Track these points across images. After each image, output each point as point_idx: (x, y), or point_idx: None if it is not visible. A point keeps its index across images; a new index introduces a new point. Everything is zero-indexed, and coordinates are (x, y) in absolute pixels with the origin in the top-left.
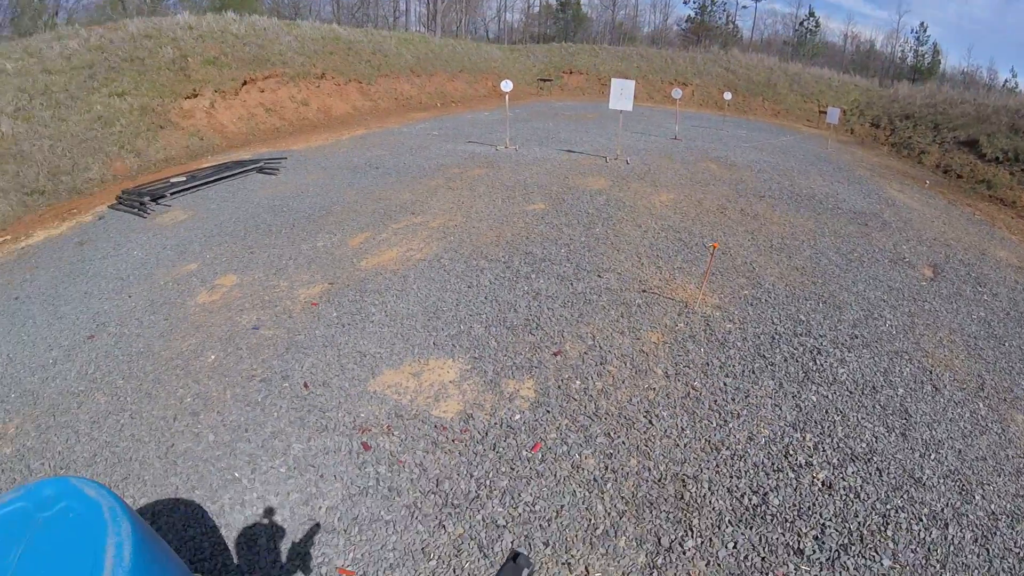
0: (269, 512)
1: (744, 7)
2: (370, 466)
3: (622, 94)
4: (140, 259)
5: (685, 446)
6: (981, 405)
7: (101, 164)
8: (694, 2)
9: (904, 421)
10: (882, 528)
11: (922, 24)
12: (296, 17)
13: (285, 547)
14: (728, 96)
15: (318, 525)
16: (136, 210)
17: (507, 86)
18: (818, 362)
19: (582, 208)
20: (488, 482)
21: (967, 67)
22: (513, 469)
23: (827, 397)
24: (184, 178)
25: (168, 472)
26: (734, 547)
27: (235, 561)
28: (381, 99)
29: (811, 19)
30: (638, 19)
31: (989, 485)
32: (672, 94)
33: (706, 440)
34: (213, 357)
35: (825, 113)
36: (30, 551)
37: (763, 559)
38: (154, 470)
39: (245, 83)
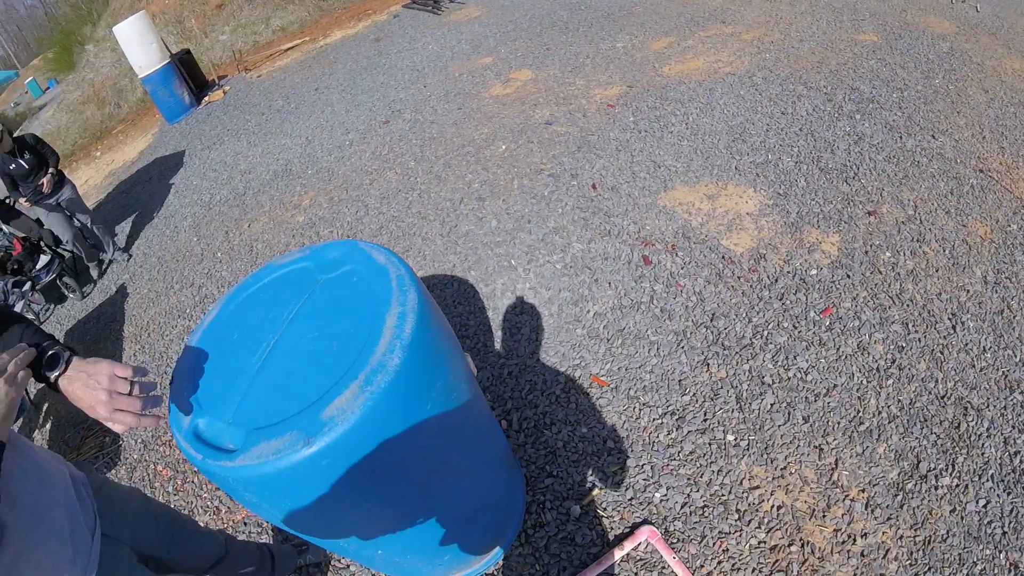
0: (538, 305)
1: None
2: (647, 281)
3: None
4: (435, 52)
5: (981, 371)
6: None
7: None
8: None
9: None
10: None
11: None
12: None
13: (546, 342)
14: None
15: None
16: (430, 8)
17: None
18: None
19: (921, 52)
20: (765, 333)
21: None
22: (796, 328)
23: None
24: None
25: (448, 251)
26: (984, 506)
27: (496, 345)
28: None
29: None
30: None
31: None
32: None
33: (1003, 373)
34: (504, 147)
35: None
36: (306, 311)
37: (1004, 533)
38: (435, 247)
39: None
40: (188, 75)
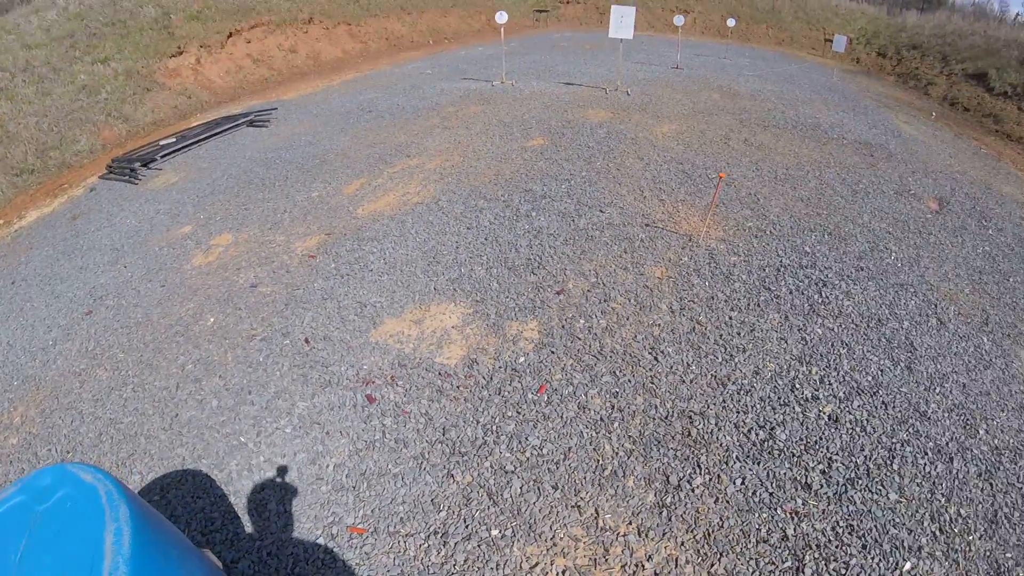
0: (277, 475)
1: None
2: (375, 419)
3: (622, 22)
4: (134, 227)
5: (691, 382)
6: (985, 340)
7: (89, 135)
8: None
9: (909, 354)
10: (888, 462)
11: None
12: None
13: (295, 510)
14: (731, 23)
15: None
16: (127, 177)
17: (502, 18)
18: (824, 295)
19: (582, 142)
20: (495, 427)
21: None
22: (519, 413)
23: (832, 330)
24: (174, 139)
25: (174, 443)
26: (742, 483)
27: (247, 529)
28: (371, 40)
29: None
30: None
31: (993, 420)
32: (674, 21)
33: (712, 375)
34: (212, 320)
35: (831, 41)
36: (32, 547)
37: (771, 494)
38: (160, 443)
39: (231, 35)
40: None
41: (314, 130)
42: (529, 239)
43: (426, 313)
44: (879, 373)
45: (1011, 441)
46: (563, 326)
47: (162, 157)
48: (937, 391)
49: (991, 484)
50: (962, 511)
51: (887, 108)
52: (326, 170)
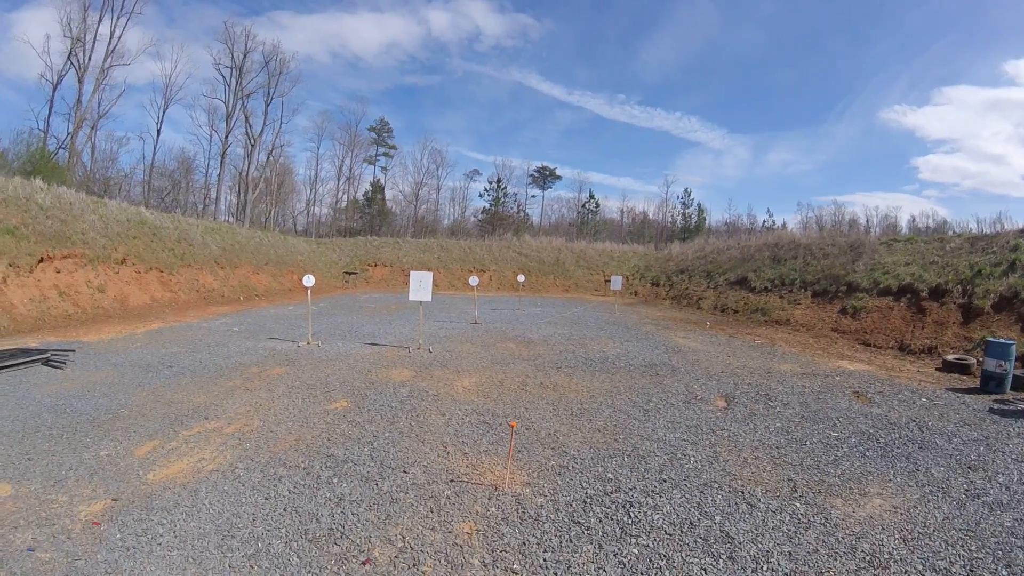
0: None
1: (533, 196)
2: None
3: (421, 285)
4: None
5: None
6: (799, 504)
7: None
8: (488, 195)
9: (728, 545)
10: None
11: (686, 190)
12: (105, 194)
13: None
14: (521, 279)
15: None
16: None
17: (309, 281)
18: (632, 514)
19: (385, 402)
20: None
21: (729, 217)
22: None
23: (648, 546)
24: None
25: None
26: None
27: None
28: (182, 291)
29: (591, 201)
30: (438, 212)
31: (828, 572)
32: (470, 281)
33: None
34: None
35: (609, 282)
36: None
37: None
38: None
39: (42, 260)
40: None
41: (111, 381)
42: (331, 508)
43: None
44: (703, 573)
45: None
46: None
47: None
48: (764, 568)
49: None
50: None
51: (666, 329)
52: (118, 427)
